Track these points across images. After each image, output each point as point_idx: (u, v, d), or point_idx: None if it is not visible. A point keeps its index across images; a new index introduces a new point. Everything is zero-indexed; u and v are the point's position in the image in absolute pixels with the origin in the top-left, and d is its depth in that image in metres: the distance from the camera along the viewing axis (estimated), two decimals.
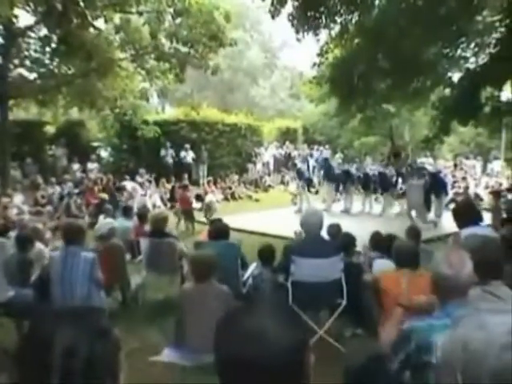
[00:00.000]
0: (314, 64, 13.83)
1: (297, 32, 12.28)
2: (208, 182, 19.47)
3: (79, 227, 5.53)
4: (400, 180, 15.60)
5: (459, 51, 13.37)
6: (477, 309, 2.53)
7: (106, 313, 5.38)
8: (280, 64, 47.70)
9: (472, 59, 13.51)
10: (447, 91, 13.80)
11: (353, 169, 16.87)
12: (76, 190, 15.73)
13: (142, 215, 9.35)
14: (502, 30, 11.32)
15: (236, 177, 22.04)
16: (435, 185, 13.51)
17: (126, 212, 10.06)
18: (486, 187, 19.13)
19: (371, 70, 12.93)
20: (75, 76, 16.22)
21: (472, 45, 13.17)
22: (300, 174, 16.73)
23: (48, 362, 1.17)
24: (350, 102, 14.60)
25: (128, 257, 7.88)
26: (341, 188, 16.27)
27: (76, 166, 19.18)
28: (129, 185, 15.55)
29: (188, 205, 13.41)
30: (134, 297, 6.94)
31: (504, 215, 10.80)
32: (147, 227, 7.99)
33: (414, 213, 13.13)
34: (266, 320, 1.24)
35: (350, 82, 13.11)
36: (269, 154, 25.57)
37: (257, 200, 19.84)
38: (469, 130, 23.04)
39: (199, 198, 16.47)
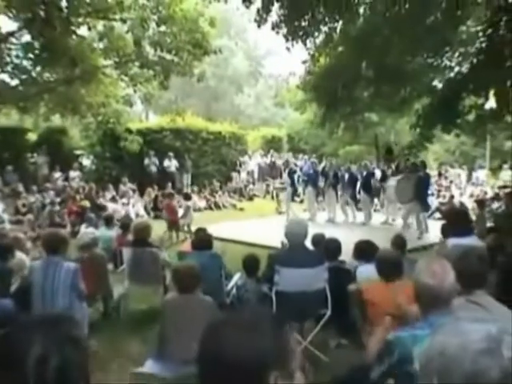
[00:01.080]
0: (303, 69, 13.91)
1: (286, 40, 12.36)
2: (192, 191, 19.45)
3: (61, 237, 5.50)
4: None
5: (444, 61, 13.55)
6: (457, 318, 2.56)
7: (84, 322, 5.36)
8: (265, 72, 47.92)
9: (456, 69, 13.68)
10: (429, 99, 13.95)
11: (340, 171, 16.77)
12: (58, 199, 15.60)
13: (125, 224, 9.32)
14: (484, 39, 11.49)
15: (220, 185, 22.02)
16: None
17: (109, 221, 10.02)
18: (471, 196, 19.31)
19: (355, 78, 13.05)
20: (58, 83, 16.14)
21: (456, 54, 13.35)
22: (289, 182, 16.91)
23: (19, 370, 1.18)
24: (334, 111, 14.69)
25: (110, 267, 7.85)
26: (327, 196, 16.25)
27: (58, 174, 19.04)
28: (110, 206, 15.43)
29: (173, 214, 13.35)
30: (116, 307, 6.90)
31: (489, 224, 10.90)
32: (130, 237, 7.96)
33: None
34: (248, 331, 1.25)
35: (334, 91, 13.20)
36: (253, 162, 25.59)
37: (241, 209, 19.85)
38: (454, 138, 23.22)
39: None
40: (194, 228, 10.47)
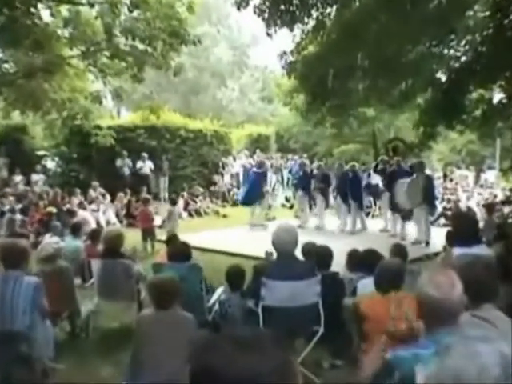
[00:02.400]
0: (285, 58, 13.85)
1: (268, 26, 12.35)
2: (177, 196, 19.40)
3: (21, 248, 5.45)
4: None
5: (448, 50, 13.63)
6: (466, 336, 2.57)
7: (49, 344, 5.32)
8: (250, 63, 47.96)
9: (463, 58, 13.75)
10: (432, 93, 14.01)
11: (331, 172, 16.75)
12: (18, 206, 15.50)
13: (94, 233, 9.28)
14: (492, 25, 11.56)
15: (201, 190, 21.98)
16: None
17: (76, 230, 9.95)
18: (480, 200, 19.41)
19: (349, 68, 13.04)
20: (17, 75, 16.03)
21: (462, 42, 13.41)
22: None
23: None
24: (321, 102, 14.64)
25: (78, 281, 7.80)
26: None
27: (18, 178, 18.93)
28: (81, 213, 15.35)
29: (149, 221, 13.31)
30: (84, 326, 6.86)
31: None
32: (100, 247, 7.92)
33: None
34: (252, 353, 1.24)
35: (323, 81, 13.15)
36: (238, 164, 25.60)
37: (224, 216, 19.82)
38: (460, 136, 23.36)
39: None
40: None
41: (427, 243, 12.73)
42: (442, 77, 14.29)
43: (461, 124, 13.59)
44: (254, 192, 16.38)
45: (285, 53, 13.82)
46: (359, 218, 15.32)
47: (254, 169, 17.64)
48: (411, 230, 13.74)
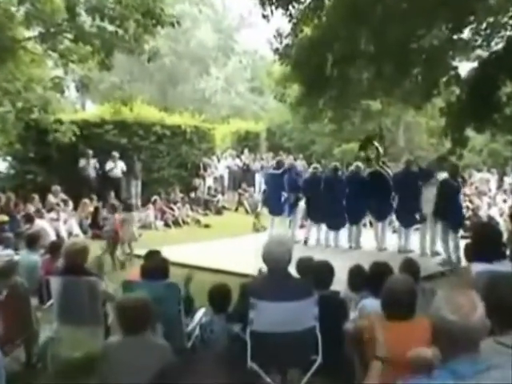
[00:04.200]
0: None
1: (262, 5, 12.34)
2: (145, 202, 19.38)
3: None
4: None
5: (466, 34, 13.66)
6: (490, 366, 2.56)
7: (1, 377, 5.29)
8: (237, 48, 48.00)
9: (483, 45, 13.77)
10: (454, 90, 14.00)
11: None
12: None
13: (54, 246, 9.24)
14: None
15: (180, 195, 21.97)
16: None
17: (32, 242, 9.89)
18: (503, 208, 19.44)
19: (351, 54, 13.02)
20: None
21: (483, 25, 13.45)
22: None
23: None
24: (318, 93, 14.60)
25: (35, 302, 7.76)
26: None
27: None
28: (39, 223, 15.28)
29: (118, 232, 13.33)
30: (41, 355, 6.84)
31: None
32: (60, 262, 7.89)
33: None
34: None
35: (320, 67, 13.12)
36: (222, 165, 25.61)
37: (207, 226, 19.83)
38: (479, 134, 23.40)
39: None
40: (141, 249, 10.42)
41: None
42: (463, 65, 14.30)
43: (492, 125, 13.59)
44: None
45: (279, 34, 13.80)
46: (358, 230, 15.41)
47: (271, 170, 17.56)
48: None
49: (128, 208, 14.81)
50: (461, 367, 2.51)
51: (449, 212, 12.98)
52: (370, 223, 16.06)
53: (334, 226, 15.34)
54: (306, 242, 15.31)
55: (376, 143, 16.45)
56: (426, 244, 13.86)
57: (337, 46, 12.88)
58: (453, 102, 13.70)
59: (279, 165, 17.09)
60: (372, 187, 14.70)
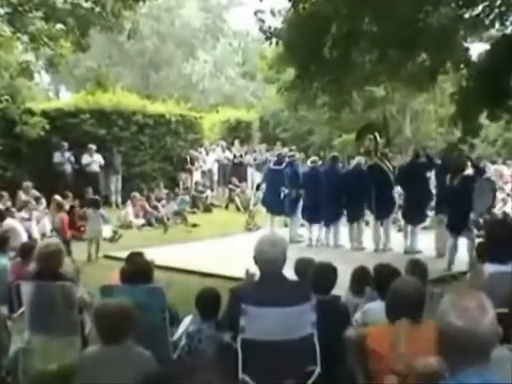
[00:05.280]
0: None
1: None
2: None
3: None
4: None
5: (478, 12, 13.66)
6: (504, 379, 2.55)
7: None
8: (228, 29, 47.92)
9: (496, 24, 13.79)
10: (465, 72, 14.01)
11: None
12: None
13: (25, 248, 9.22)
14: None
15: (165, 191, 21.94)
16: None
17: (1, 243, 9.89)
18: None
19: (352, 35, 13.00)
20: None
21: (497, 2, 13.46)
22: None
23: None
24: (313, 77, 14.56)
25: (3, 310, 7.76)
26: None
27: None
28: (8, 222, 15.25)
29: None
30: (11, 368, 6.83)
31: None
32: (32, 266, 7.88)
33: None
34: None
35: (317, 48, 13.07)
36: (211, 158, 25.59)
37: (194, 225, 19.79)
38: (493, 122, 23.39)
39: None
40: (121, 252, 10.43)
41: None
42: (475, 47, 14.32)
43: (507, 112, 13.60)
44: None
45: (272, 12, 13.79)
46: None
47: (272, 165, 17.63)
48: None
49: (94, 204, 14.82)
50: (469, 379, 2.46)
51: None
52: None
53: (330, 219, 15.45)
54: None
55: (376, 133, 16.41)
56: (442, 245, 13.84)
57: (336, 26, 12.86)
58: (463, 87, 13.72)
59: (280, 159, 17.14)
60: (371, 183, 14.76)
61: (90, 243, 14.07)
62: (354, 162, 15.90)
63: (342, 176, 15.52)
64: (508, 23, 13.42)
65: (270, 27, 13.91)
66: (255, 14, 13.81)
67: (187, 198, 21.45)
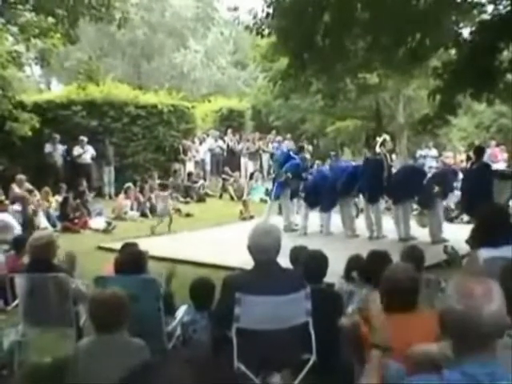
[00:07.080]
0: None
1: None
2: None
3: None
4: None
5: None
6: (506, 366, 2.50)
7: None
8: (219, 18, 47.74)
9: (490, 8, 13.76)
10: (453, 53, 14.00)
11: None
12: None
13: (19, 241, 9.21)
14: None
15: (157, 182, 21.89)
16: None
17: None
18: None
19: (345, 22, 12.95)
20: None
21: None
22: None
23: None
24: (305, 64, 14.50)
25: None
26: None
27: None
28: (1, 216, 15.21)
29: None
30: (7, 361, 6.82)
31: None
32: (26, 259, 7.86)
33: None
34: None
35: (309, 35, 13.02)
36: (204, 148, 25.56)
37: (188, 215, 19.77)
38: (488, 108, 23.34)
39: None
40: (115, 243, 10.43)
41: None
42: (465, 31, 14.28)
43: (490, 92, 13.58)
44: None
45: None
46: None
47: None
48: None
49: (79, 196, 14.90)
50: (473, 369, 2.40)
51: None
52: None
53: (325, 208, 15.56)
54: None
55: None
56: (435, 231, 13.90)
57: (328, 12, 12.83)
58: (448, 62, 13.71)
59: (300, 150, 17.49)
60: (364, 170, 14.86)
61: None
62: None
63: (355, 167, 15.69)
64: (501, 8, 13.38)
65: (260, 20, 13.90)
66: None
67: None
